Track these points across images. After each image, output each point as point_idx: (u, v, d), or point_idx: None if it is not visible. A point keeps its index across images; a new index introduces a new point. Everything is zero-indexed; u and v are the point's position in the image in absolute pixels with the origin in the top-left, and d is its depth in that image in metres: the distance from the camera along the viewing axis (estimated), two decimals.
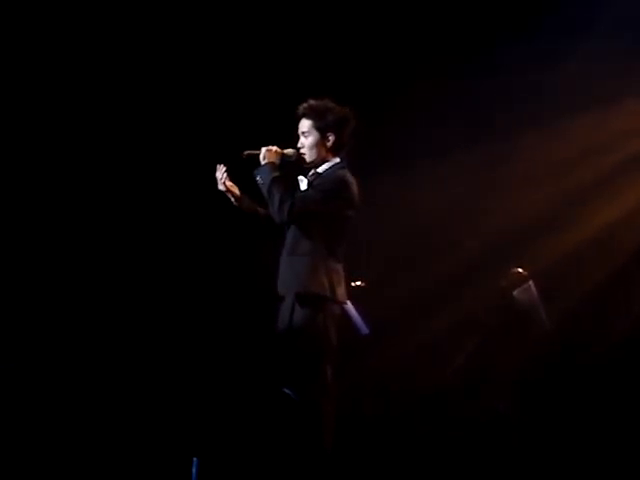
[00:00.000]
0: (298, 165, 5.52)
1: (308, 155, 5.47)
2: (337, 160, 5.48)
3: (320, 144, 5.44)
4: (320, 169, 5.49)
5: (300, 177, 5.55)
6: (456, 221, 7.59)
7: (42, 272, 7.20)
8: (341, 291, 5.42)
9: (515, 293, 6.92)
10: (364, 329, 6.49)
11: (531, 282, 6.90)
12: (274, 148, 5.45)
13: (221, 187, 5.58)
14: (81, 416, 6.41)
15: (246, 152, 5.48)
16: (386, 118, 7.51)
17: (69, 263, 7.28)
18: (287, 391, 5.32)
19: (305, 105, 5.46)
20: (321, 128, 5.42)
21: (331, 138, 5.43)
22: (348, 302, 6.35)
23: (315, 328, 5.31)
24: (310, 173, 5.52)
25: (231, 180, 5.59)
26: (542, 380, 6.96)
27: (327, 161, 5.48)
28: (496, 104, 7.50)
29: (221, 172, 5.55)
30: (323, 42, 7.57)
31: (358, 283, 6.60)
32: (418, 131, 7.51)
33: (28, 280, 7.15)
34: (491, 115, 7.56)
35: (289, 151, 5.49)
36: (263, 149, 5.45)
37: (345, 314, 6.35)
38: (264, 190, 5.38)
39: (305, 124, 5.46)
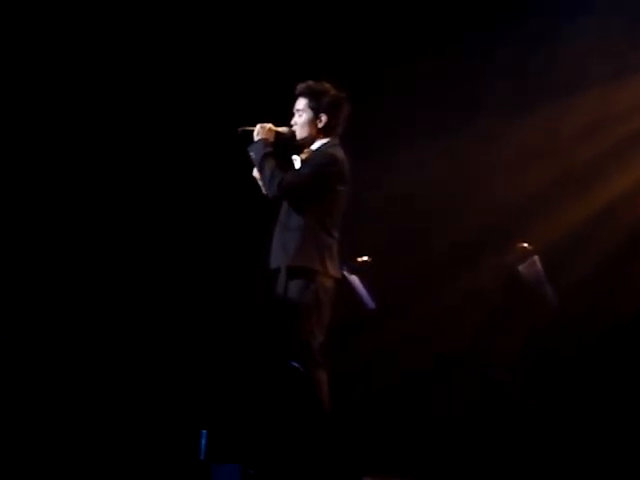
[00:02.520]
0: (291, 143, 5.64)
1: (299, 132, 5.61)
2: (328, 139, 5.60)
3: (312, 123, 5.59)
4: (313, 147, 5.61)
5: (294, 156, 5.65)
6: (463, 197, 7.59)
7: (43, 265, 7.23)
8: (333, 265, 5.51)
9: (520, 268, 6.92)
10: (370, 303, 6.54)
11: (536, 257, 6.91)
12: (268, 125, 5.59)
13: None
14: (85, 389, 6.45)
15: (241, 128, 5.61)
16: (385, 99, 7.53)
17: (69, 253, 7.32)
18: (294, 364, 5.38)
19: (303, 85, 5.62)
20: (315, 108, 5.57)
21: (323, 119, 5.57)
22: (354, 277, 6.42)
23: (305, 301, 5.40)
24: (304, 152, 5.62)
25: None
26: (547, 355, 6.99)
27: (318, 141, 5.60)
28: (497, 79, 7.50)
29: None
30: (320, 24, 7.58)
31: (365, 258, 6.63)
32: (419, 111, 7.52)
33: (29, 273, 7.18)
34: (493, 91, 7.54)
35: (283, 129, 5.63)
36: (257, 126, 5.58)
37: (351, 288, 6.42)
38: (256, 165, 5.54)
39: (301, 103, 5.62)
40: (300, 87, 5.62)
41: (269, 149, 5.53)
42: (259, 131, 5.57)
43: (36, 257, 7.17)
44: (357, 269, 6.53)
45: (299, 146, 5.66)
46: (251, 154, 5.56)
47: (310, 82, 5.62)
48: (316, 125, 5.59)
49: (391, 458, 6.77)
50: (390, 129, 7.52)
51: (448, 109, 7.55)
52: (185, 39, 7.48)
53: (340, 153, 5.57)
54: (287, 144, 5.65)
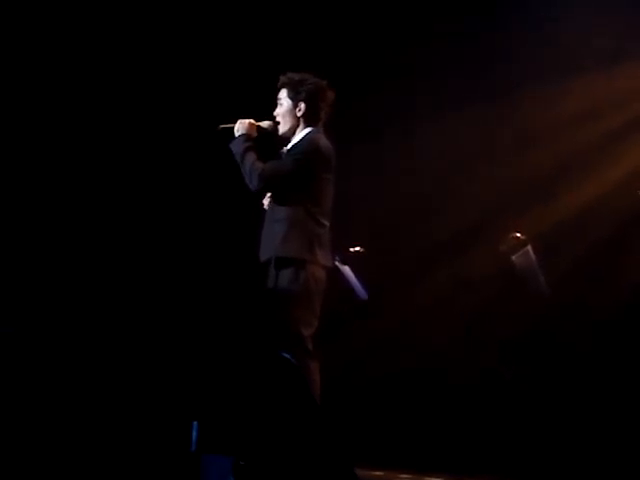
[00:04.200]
0: (276, 137, 5.64)
1: (281, 123, 5.63)
2: (310, 128, 5.60)
3: (291, 112, 5.60)
4: (295, 139, 5.60)
5: (283, 150, 5.64)
6: (455, 186, 7.57)
7: (41, 260, 7.23)
8: (322, 253, 5.49)
9: (514, 258, 6.91)
10: (362, 294, 6.53)
11: (529, 247, 6.90)
12: (248, 120, 5.59)
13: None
14: (75, 381, 6.44)
15: (221, 126, 5.61)
16: (384, 84, 7.52)
17: (67, 248, 7.31)
18: (285, 355, 5.36)
19: (283, 76, 5.64)
20: (293, 97, 5.58)
21: (302, 107, 5.58)
22: (346, 267, 6.40)
23: (295, 291, 5.40)
24: (288, 145, 5.62)
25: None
26: (540, 344, 6.99)
27: (300, 130, 5.60)
28: (492, 64, 7.47)
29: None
30: (314, 13, 7.57)
31: (357, 248, 6.61)
32: (416, 96, 7.50)
33: (28, 268, 7.18)
34: (490, 76, 7.51)
35: (264, 123, 5.64)
36: (237, 122, 5.58)
37: (343, 278, 6.40)
38: (238, 160, 5.54)
39: (282, 93, 5.64)
40: (281, 78, 5.63)
41: (249, 143, 5.53)
42: (239, 127, 5.58)
43: (35, 253, 7.20)
44: (349, 259, 6.51)
45: (284, 139, 5.64)
46: (232, 150, 5.56)
47: (289, 73, 5.63)
48: (295, 114, 5.59)
49: (383, 448, 6.77)
50: (382, 118, 7.50)
51: (441, 96, 7.53)
52: (172, 40, 7.49)
53: (323, 141, 5.56)
54: (273, 139, 5.64)
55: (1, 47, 7.13)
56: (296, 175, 5.47)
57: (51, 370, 6.37)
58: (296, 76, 5.60)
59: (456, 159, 7.51)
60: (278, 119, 5.63)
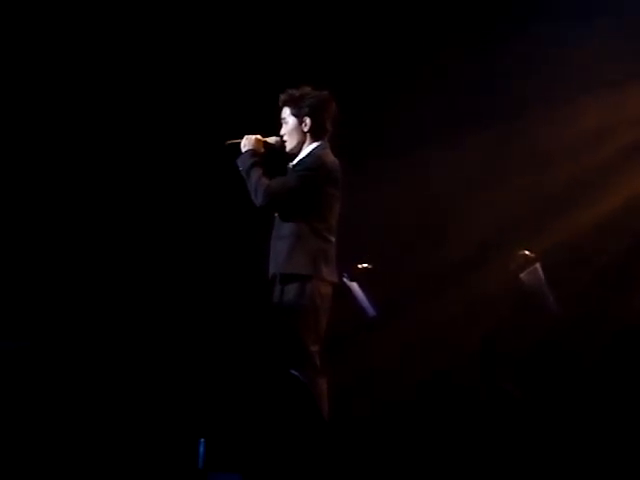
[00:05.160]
0: (283, 153, 5.63)
1: (288, 141, 5.62)
2: (317, 144, 5.59)
3: (297, 129, 5.59)
4: (302, 154, 5.60)
5: (289, 165, 5.64)
6: (465, 204, 7.57)
7: (47, 272, 7.25)
8: (328, 269, 5.48)
9: (522, 276, 6.90)
10: (371, 311, 6.51)
11: (538, 264, 6.88)
12: (255, 136, 5.59)
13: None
14: (85, 396, 6.46)
15: (228, 141, 5.61)
16: (399, 101, 7.52)
17: (75, 259, 7.34)
18: (293, 372, 5.36)
19: (283, 94, 5.62)
20: (297, 114, 5.58)
21: (307, 122, 5.57)
22: (354, 284, 6.39)
23: (301, 307, 5.39)
24: (295, 161, 5.62)
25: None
26: (549, 363, 6.96)
27: (307, 145, 5.59)
28: (507, 82, 7.47)
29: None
30: (325, 23, 7.60)
31: (365, 265, 6.60)
32: (430, 113, 7.50)
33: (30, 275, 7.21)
34: (501, 95, 7.52)
35: (272, 139, 5.63)
36: (244, 137, 5.58)
37: (351, 295, 6.39)
38: (244, 176, 5.53)
39: (285, 112, 5.62)
40: (281, 97, 5.63)
41: (256, 159, 5.52)
42: (246, 142, 5.58)
43: (42, 264, 7.23)
44: (357, 276, 6.50)
45: (291, 155, 5.64)
46: (239, 165, 5.55)
47: (289, 90, 5.62)
48: (302, 130, 5.59)
49: (391, 465, 6.74)
50: (394, 134, 7.51)
51: (453, 114, 7.53)
52: (174, 51, 7.50)
53: (329, 156, 5.56)
54: (279, 155, 5.64)
55: (6, 48, 7.16)
56: (301, 191, 5.46)
57: (64, 385, 6.41)
58: (296, 92, 5.60)
59: (465, 178, 7.51)
60: (285, 138, 5.62)
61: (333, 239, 5.53)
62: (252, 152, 5.55)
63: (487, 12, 7.62)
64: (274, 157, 5.63)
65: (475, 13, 7.64)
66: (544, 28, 7.39)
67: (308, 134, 5.59)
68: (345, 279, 6.25)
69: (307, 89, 5.60)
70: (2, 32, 7.16)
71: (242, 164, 5.54)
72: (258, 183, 5.45)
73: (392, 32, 7.66)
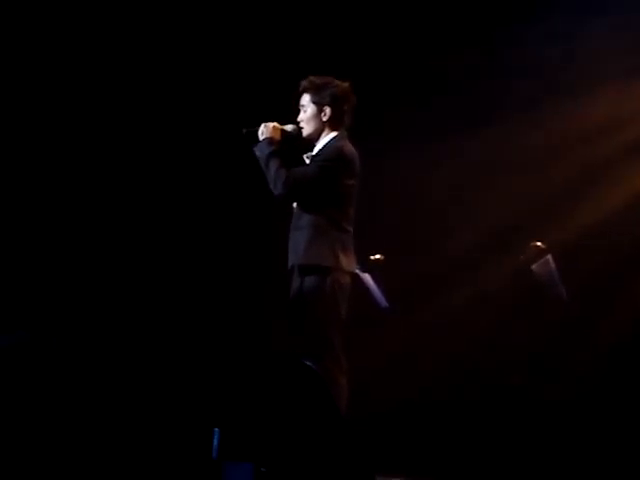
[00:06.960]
0: (301, 141, 5.60)
1: (305, 128, 5.58)
2: (335, 133, 5.56)
3: (316, 117, 5.54)
4: (320, 144, 5.57)
5: (306, 155, 5.62)
6: (477, 196, 7.58)
7: (50, 266, 7.26)
8: (347, 260, 5.47)
9: (533, 267, 6.91)
10: (383, 302, 6.52)
11: (549, 256, 6.89)
12: (273, 124, 5.54)
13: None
14: (98, 388, 6.46)
15: (245, 129, 5.58)
16: (401, 97, 7.54)
17: (79, 254, 7.35)
18: (308, 363, 5.36)
19: (305, 81, 5.58)
20: (317, 102, 5.53)
21: (327, 111, 5.53)
22: (367, 275, 6.40)
23: (320, 298, 5.39)
24: (314, 151, 5.59)
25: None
26: (559, 354, 6.97)
27: (325, 135, 5.57)
28: (513, 78, 7.49)
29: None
30: (334, 19, 7.61)
31: (377, 256, 6.61)
32: (434, 110, 7.51)
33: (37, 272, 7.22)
34: (508, 90, 7.53)
35: (289, 126, 5.59)
36: (262, 125, 5.54)
37: (364, 287, 6.40)
38: (262, 165, 5.49)
39: (304, 98, 5.58)
40: (302, 83, 5.59)
41: (274, 147, 5.48)
42: (264, 130, 5.53)
43: (42, 258, 7.23)
44: (370, 267, 6.52)
45: (308, 143, 5.61)
46: (257, 154, 5.52)
47: (312, 77, 5.58)
48: (321, 119, 5.55)
49: (405, 459, 6.76)
50: (405, 128, 7.51)
51: (464, 108, 7.54)
52: (189, 38, 7.50)
53: (348, 146, 5.53)
54: (297, 143, 5.61)
55: (6, 48, 7.16)
56: (320, 182, 5.44)
57: (71, 378, 6.39)
58: (318, 80, 5.56)
59: (477, 171, 7.52)
60: (302, 125, 5.59)
61: (351, 229, 5.52)
62: (270, 140, 5.50)
63: (487, 12, 7.62)
64: (291, 145, 5.59)
65: (475, 13, 7.64)
66: (544, 27, 7.39)
67: (327, 123, 5.56)
68: (358, 270, 6.24)
69: (329, 78, 5.56)
70: (2, 32, 7.16)
71: (260, 152, 5.50)
72: (277, 173, 5.41)
73: (392, 32, 7.67)
